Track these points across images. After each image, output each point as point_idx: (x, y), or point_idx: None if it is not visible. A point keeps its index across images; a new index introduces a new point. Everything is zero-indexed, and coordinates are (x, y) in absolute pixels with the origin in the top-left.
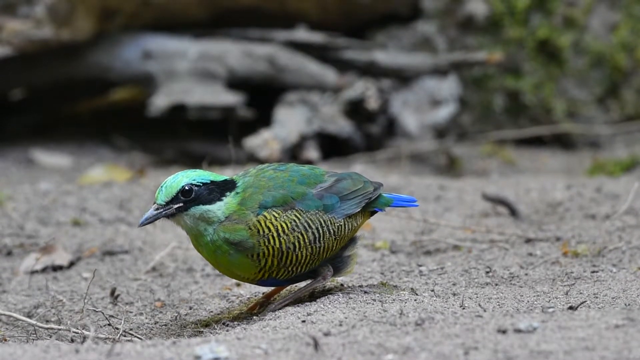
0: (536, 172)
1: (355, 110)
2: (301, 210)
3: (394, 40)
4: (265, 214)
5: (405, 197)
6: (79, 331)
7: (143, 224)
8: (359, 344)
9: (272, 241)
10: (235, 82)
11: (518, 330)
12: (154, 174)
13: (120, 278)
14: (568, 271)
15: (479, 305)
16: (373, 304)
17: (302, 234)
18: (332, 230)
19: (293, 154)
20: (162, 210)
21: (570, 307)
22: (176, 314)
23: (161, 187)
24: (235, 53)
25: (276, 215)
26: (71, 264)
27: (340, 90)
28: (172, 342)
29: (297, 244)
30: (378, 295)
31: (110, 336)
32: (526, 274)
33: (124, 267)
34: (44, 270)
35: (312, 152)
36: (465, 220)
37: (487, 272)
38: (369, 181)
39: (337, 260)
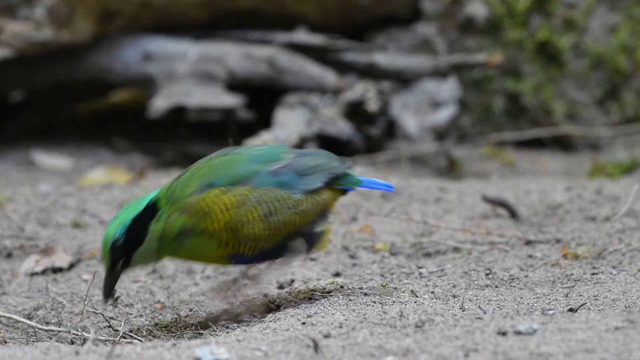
0: (536, 174)
1: (355, 112)
2: (253, 186)
3: (393, 42)
4: (208, 192)
5: (380, 181)
6: (79, 333)
7: (106, 300)
8: (359, 345)
9: (219, 217)
10: (235, 84)
11: (518, 332)
12: (154, 176)
13: (120, 280)
14: (568, 273)
15: (479, 307)
16: (373, 306)
17: (254, 208)
18: (289, 205)
19: None
20: (110, 273)
21: (570, 309)
22: (176, 316)
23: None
24: (235, 55)
25: (219, 192)
26: (71, 266)
27: (340, 92)
28: (172, 344)
29: (249, 217)
30: (378, 297)
31: (110, 338)
32: (526, 276)
33: None
34: (44, 272)
35: None
36: (465, 222)
37: (487, 274)
38: (336, 158)
39: (306, 236)
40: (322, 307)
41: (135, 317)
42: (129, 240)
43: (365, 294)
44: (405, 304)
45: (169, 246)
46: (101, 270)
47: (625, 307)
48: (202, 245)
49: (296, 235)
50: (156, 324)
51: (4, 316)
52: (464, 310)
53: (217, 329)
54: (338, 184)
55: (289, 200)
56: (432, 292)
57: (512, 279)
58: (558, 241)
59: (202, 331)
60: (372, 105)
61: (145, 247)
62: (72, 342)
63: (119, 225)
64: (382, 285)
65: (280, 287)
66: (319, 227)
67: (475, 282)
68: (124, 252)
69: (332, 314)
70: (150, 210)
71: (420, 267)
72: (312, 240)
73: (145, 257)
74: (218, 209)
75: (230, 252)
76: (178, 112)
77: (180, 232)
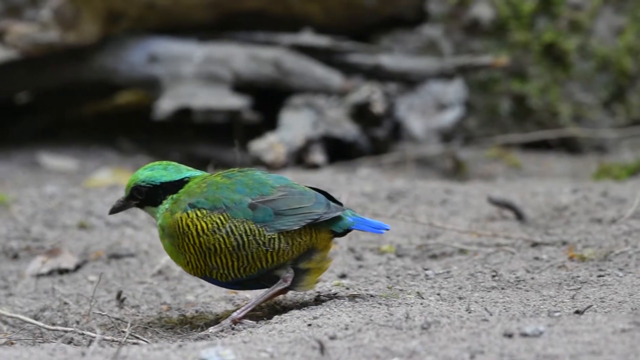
0: (542, 176)
1: (361, 113)
2: (227, 216)
3: (399, 44)
4: (189, 212)
5: (375, 222)
6: (85, 334)
7: (112, 213)
8: (364, 347)
9: (191, 239)
10: (240, 86)
11: (524, 334)
12: None
13: (126, 281)
14: (574, 275)
15: (485, 309)
16: (379, 307)
17: (223, 238)
18: (260, 241)
19: (299, 157)
20: (124, 203)
21: (577, 311)
22: (182, 317)
23: None
24: (241, 56)
25: (199, 214)
26: (77, 267)
27: (346, 93)
28: (178, 345)
29: (217, 246)
30: (384, 298)
31: (116, 339)
32: (532, 278)
33: (130, 270)
34: (50, 273)
35: (317, 155)
36: (471, 224)
37: (493, 276)
38: (325, 203)
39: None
40: (328, 309)
41: (141, 318)
42: (148, 194)
43: (371, 296)
44: (412, 306)
45: (160, 229)
46: (106, 271)
47: (632, 309)
48: (175, 255)
49: (274, 270)
50: (162, 325)
51: (11, 317)
52: (470, 312)
53: (223, 330)
54: (325, 227)
55: (260, 236)
56: (438, 294)
57: (519, 281)
58: (564, 243)
59: (208, 332)
60: (378, 107)
61: (156, 210)
62: (79, 344)
63: (150, 177)
64: (388, 287)
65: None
66: (303, 265)
67: (482, 284)
68: (139, 197)
69: (338, 315)
70: (178, 185)
71: (426, 269)
72: (295, 276)
73: (150, 213)
74: (194, 232)
75: (200, 274)
76: (183, 114)
77: (165, 230)
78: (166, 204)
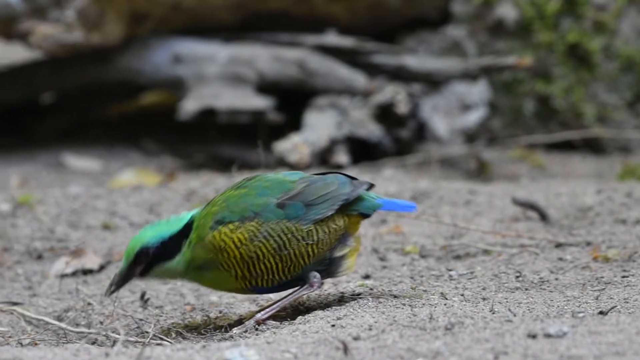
0: (566, 177)
1: (385, 114)
2: (260, 221)
3: (423, 44)
4: (220, 228)
5: (403, 202)
6: (109, 335)
7: (111, 294)
8: (388, 348)
9: (231, 252)
10: (265, 86)
11: (548, 335)
12: (184, 178)
13: (149, 282)
14: (598, 276)
15: (509, 309)
16: (403, 308)
17: (262, 243)
18: (299, 237)
19: (323, 158)
20: (126, 273)
21: (601, 312)
22: (206, 318)
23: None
24: (265, 57)
25: (231, 227)
26: (101, 268)
27: (370, 94)
28: (202, 345)
29: (259, 253)
30: (408, 299)
31: (140, 340)
32: (556, 279)
33: None
34: (74, 273)
35: (342, 156)
36: (495, 224)
37: (517, 277)
38: (348, 181)
39: (325, 263)
40: (351, 310)
41: (165, 318)
42: (159, 252)
43: (395, 297)
44: (435, 307)
45: (195, 274)
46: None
47: None
48: (222, 278)
49: (317, 264)
50: (186, 326)
51: (35, 318)
52: (493, 313)
53: (247, 331)
54: (354, 210)
55: (298, 232)
56: (462, 295)
57: (542, 282)
58: (588, 244)
59: (232, 333)
60: (402, 108)
61: (173, 263)
62: (102, 344)
63: (156, 234)
64: (412, 288)
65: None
66: (338, 252)
67: (505, 284)
68: (148, 261)
69: (362, 316)
70: (186, 231)
71: (450, 270)
72: (333, 267)
73: (167, 273)
74: (232, 246)
75: (248, 285)
76: (208, 115)
77: (202, 264)
78: (186, 251)
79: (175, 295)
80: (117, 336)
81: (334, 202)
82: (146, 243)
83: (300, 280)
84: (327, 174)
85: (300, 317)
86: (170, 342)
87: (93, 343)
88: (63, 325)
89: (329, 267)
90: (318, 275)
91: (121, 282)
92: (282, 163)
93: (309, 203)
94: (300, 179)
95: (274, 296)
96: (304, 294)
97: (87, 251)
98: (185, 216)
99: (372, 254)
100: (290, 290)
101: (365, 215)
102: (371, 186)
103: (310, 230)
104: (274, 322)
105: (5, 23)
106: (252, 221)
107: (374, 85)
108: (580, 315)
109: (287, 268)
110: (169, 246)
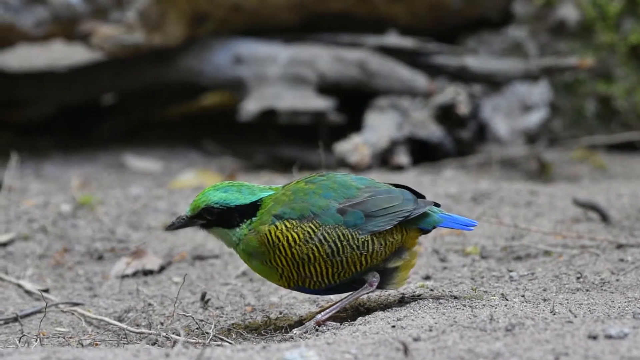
0: (627, 178)
1: (446, 115)
2: (318, 223)
3: (484, 45)
4: (277, 224)
5: (463, 219)
6: (170, 335)
7: (169, 230)
8: (448, 349)
9: (283, 251)
10: (325, 87)
11: (609, 336)
12: (245, 179)
13: (210, 283)
14: None
15: (570, 310)
16: (463, 309)
17: (316, 247)
18: (354, 245)
19: (383, 159)
20: (187, 221)
21: None
22: (266, 319)
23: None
24: (326, 58)
25: (288, 225)
26: (162, 269)
27: (431, 95)
28: (262, 346)
29: (311, 255)
30: (468, 300)
31: (200, 340)
32: (617, 280)
33: (214, 271)
34: (134, 274)
35: (402, 157)
36: (556, 225)
37: (578, 278)
38: (413, 200)
39: (379, 272)
40: (412, 310)
41: (225, 319)
42: (221, 216)
43: (455, 297)
44: (496, 308)
45: (244, 254)
46: (191, 273)
47: None
48: (267, 272)
49: (367, 272)
50: (246, 327)
51: (95, 318)
52: (554, 314)
53: (307, 331)
54: (414, 224)
55: (354, 240)
56: (523, 296)
57: (603, 283)
58: None
59: (292, 334)
60: (463, 109)
61: (230, 234)
62: (163, 345)
63: (224, 199)
64: (472, 289)
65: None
66: (392, 264)
67: (566, 285)
68: (210, 219)
69: (422, 317)
70: (253, 208)
71: (510, 271)
72: (385, 276)
73: (223, 238)
74: (285, 244)
75: (292, 285)
76: (268, 115)
77: (252, 252)
78: (244, 228)
79: (235, 296)
80: (178, 337)
81: (394, 217)
82: (212, 203)
83: (356, 282)
84: (397, 186)
85: (360, 318)
86: (231, 343)
87: (153, 344)
88: (123, 325)
89: (381, 278)
90: (377, 274)
91: (181, 226)
92: (342, 164)
93: (369, 214)
94: (366, 187)
95: (334, 297)
96: (363, 294)
97: (148, 252)
98: (258, 192)
99: (433, 255)
100: (348, 293)
101: (425, 231)
102: (436, 205)
103: (366, 240)
104: (334, 323)
105: (66, 24)
106: (310, 222)
107: (434, 86)
108: None
109: (336, 273)
110: (232, 216)
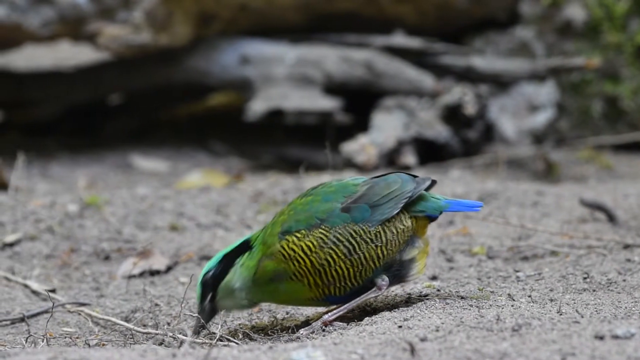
0: (634, 178)
1: (453, 115)
2: (327, 227)
3: (491, 45)
4: (288, 237)
5: (468, 201)
6: (176, 336)
7: (199, 332)
8: (455, 349)
9: (301, 262)
10: (332, 87)
11: (616, 337)
12: (252, 179)
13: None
14: None
15: (576, 311)
16: (470, 309)
17: (332, 250)
18: (367, 239)
19: (390, 159)
20: (208, 306)
21: None
22: (273, 319)
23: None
24: (333, 58)
25: (299, 236)
26: (168, 269)
27: (438, 95)
28: (269, 347)
29: (330, 260)
30: (475, 300)
31: (207, 341)
32: (624, 280)
33: None
34: (141, 274)
35: (409, 157)
36: (562, 225)
37: (585, 278)
38: (411, 179)
39: (395, 267)
40: (418, 311)
41: (232, 319)
42: (217, 273)
43: (462, 298)
44: (502, 308)
45: (265, 289)
46: (197, 273)
47: None
48: (296, 288)
49: (387, 267)
50: (253, 327)
51: (102, 318)
52: (561, 314)
53: (314, 332)
54: (421, 211)
55: (366, 234)
56: (529, 296)
57: (610, 283)
58: None
59: (298, 334)
60: (470, 109)
61: (229, 278)
62: (169, 345)
63: (214, 259)
64: (479, 289)
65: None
66: (407, 255)
67: (573, 286)
68: (212, 285)
69: (429, 317)
70: (242, 247)
71: (517, 271)
72: (402, 270)
73: (228, 293)
74: (301, 254)
75: (320, 294)
76: (275, 115)
77: (273, 276)
78: (243, 264)
79: None
80: (185, 337)
81: (398, 200)
82: (205, 271)
83: (370, 284)
84: (388, 174)
85: (367, 318)
86: (237, 343)
87: (160, 344)
88: (130, 326)
89: (400, 271)
90: (386, 277)
91: (203, 317)
92: (349, 164)
93: (373, 204)
94: (364, 182)
95: None
96: (371, 297)
97: (155, 252)
98: (241, 239)
99: (440, 255)
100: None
101: (432, 218)
102: (433, 182)
103: (378, 232)
104: (340, 323)
105: (73, 24)
106: (319, 228)
107: (441, 86)
108: None
109: (358, 273)
110: (224, 266)
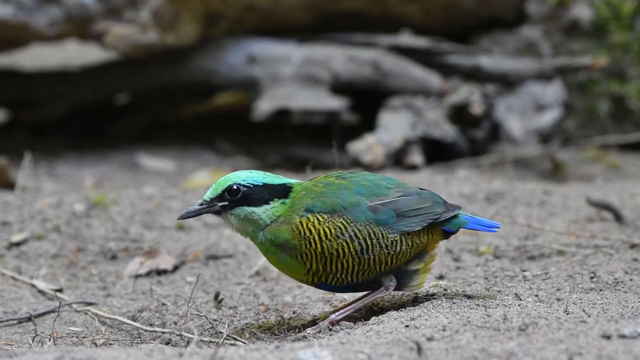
0: None
1: (460, 115)
2: (349, 219)
3: (498, 45)
4: (310, 216)
5: (487, 221)
6: (183, 335)
7: (183, 218)
8: (462, 349)
9: (313, 244)
10: (339, 87)
11: (622, 336)
12: None
13: (224, 282)
14: None
15: (583, 310)
16: (476, 308)
17: (347, 242)
18: (383, 244)
19: (397, 158)
20: (205, 206)
21: None
22: (280, 318)
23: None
24: (340, 58)
25: (320, 219)
26: (175, 268)
27: (444, 95)
28: (276, 346)
29: (341, 251)
30: (482, 300)
31: (213, 340)
32: (631, 280)
33: (227, 271)
34: (148, 274)
35: (416, 157)
36: (569, 225)
37: (592, 278)
38: (442, 202)
39: (400, 274)
40: (425, 310)
41: (239, 319)
42: (249, 194)
43: (469, 297)
44: (509, 307)
45: (269, 247)
46: (204, 272)
47: None
48: (293, 266)
49: (390, 272)
50: (260, 326)
51: (109, 318)
52: (568, 314)
53: (321, 331)
54: (440, 226)
55: (383, 239)
56: (536, 296)
57: (617, 283)
58: None
59: (305, 334)
60: (477, 108)
61: (259, 211)
62: (176, 344)
63: (251, 177)
64: (486, 288)
65: None
66: (413, 266)
67: (580, 285)
68: (236, 198)
69: (436, 316)
70: (282, 189)
71: (524, 270)
72: (405, 279)
73: (246, 220)
74: (316, 237)
75: (316, 280)
76: (282, 115)
77: (283, 243)
78: (277, 206)
79: (249, 296)
80: (191, 336)
81: (425, 218)
82: (239, 181)
83: (374, 283)
84: (423, 190)
85: (374, 317)
86: (244, 343)
87: (167, 343)
88: (137, 325)
89: (401, 280)
90: (394, 278)
91: (198, 212)
92: (356, 163)
93: (401, 213)
94: (396, 187)
95: (348, 297)
96: (378, 297)
97: (161, 251)
98: (282, 177)
99: (447, 255)
100: (364, 293)
101: (449, 233)
102: (457, 208)
103: (395, 240)
104: (347, 322)
105: (80, 24)
106: (341, 217)
107: (448, 86)
108: None
109: (362, 272)
110: (260, 193)
